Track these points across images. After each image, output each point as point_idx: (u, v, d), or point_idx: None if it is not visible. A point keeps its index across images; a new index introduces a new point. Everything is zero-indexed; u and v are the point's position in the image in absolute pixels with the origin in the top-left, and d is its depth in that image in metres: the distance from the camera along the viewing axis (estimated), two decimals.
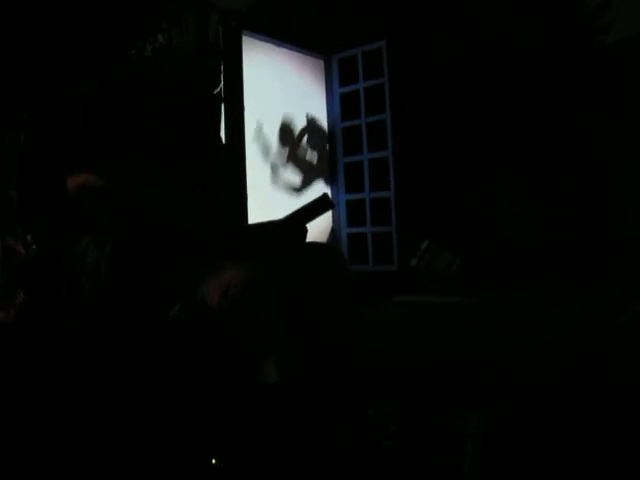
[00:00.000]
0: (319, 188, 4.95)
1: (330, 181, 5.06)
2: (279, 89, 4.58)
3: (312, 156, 4.93)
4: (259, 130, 4.32)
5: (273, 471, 1.44)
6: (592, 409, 1.80)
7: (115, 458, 1.49)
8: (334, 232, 5.02)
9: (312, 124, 4.93)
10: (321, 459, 1.49)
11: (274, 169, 4.53)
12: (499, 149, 4.31)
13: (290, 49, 4.66)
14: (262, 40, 4.31)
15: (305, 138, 4.85)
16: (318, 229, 4.84)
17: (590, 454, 1.52)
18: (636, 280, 3.25)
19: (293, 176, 4.71)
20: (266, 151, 4.42)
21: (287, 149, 4.65)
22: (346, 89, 4.99)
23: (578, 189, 4.05)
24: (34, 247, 2.02)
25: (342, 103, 5.04)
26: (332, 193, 5.04)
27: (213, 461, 1.46)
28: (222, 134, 3.54)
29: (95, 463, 1.48)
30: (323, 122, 5.07)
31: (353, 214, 4.99)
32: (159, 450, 1.48)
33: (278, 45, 4.49)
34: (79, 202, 1.75)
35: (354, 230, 4.96)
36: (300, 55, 4.82)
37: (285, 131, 4.62)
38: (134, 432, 1.52)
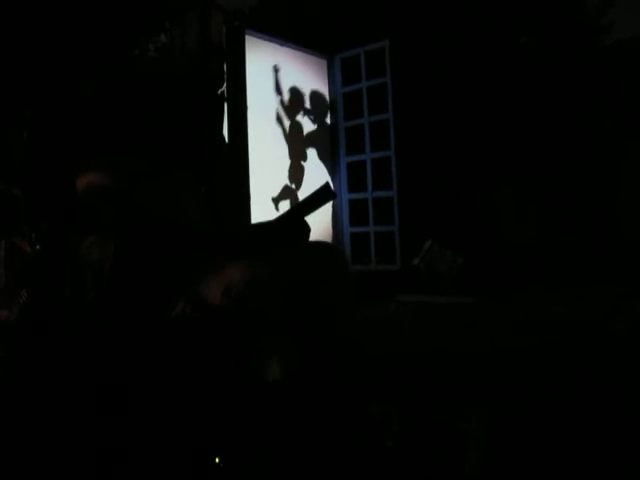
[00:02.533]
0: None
1: (333, 180, 5.07)
2: (282, 88, 4.59)
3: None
4: None
5: (275, 470, 1.44)
6: (593, 409, 1.80)
7: (118, 457, 1.49)
8: (336, 231, 5.02)
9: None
10: (323, 458, 1.49)
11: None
12: (502, 149, 4.30)
13: (293, 48, 4.66)
14: (265, 40, 4.31)
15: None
16: (321, 228, 4.85)
17: (592, 453, 1.52)
18: (637, 280, 3.25)
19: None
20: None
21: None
22: (349, 88, 4.99)
23: (579, 189, 4.05)
24: (38, 246, 2.03)
25: (345, 102, 5.04)
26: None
27: (217, 460, 1.47)
28: (225, 133, 3.55)
29: (97, 462, 1.49)
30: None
31: (356, 213, 4.99)
32: (162, 449, 1.48)
33: (281, 44, 4.50)
34: (86, 201, 1.76)
35: (357, 229, 4.97)
36: (303, 54, 4.82)
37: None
38: (137, 431, 1.53)
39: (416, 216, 4.57)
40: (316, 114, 5.03)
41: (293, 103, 4.73)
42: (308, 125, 4.93)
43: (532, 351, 2.47)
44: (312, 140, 4.95)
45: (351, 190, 5.02)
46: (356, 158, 4.97)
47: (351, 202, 5.01)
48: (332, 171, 5.07)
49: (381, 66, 4.70)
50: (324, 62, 5.05)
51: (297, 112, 4.80)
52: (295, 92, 4.73)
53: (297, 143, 4.78)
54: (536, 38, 4.14)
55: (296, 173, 4.74)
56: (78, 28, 2.31)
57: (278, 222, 1.97)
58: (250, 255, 1.70)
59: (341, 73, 5.02)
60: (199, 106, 2.71)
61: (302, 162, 4.82)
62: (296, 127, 4.80)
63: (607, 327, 2.72)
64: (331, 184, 4.68)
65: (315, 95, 5.03)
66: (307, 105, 4.92)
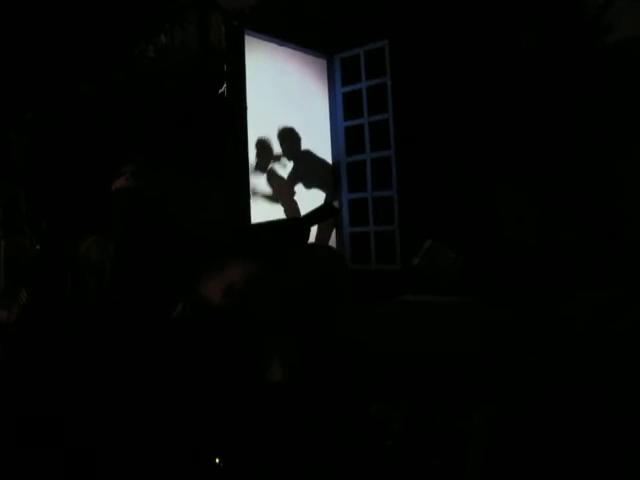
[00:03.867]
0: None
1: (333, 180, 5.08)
2: (281, 88, 4.59)
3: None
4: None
5: (276, 470, 1.44)
6: (594, 409, 1.80)
7: (120, 458, 1.49)
8: (337, 231, 5.02)
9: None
10: (324, 458, 1.49)
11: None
12: (502, 148, 4.30)
13: (292, 48, 4.66)
14: (264, 40, 4.31)
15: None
16: (321, 228, 4.85)
17: (593, 453, 1.52)
18: (639, 281, 3.25)
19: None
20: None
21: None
22: (349, 88, 4.99)
23: (581, 189, 4.04)
24: (37, 247, 2.03)
25: (345, 102, 5.04)
26: (335, 193, 5.05)
27: (217, 460, 1.46)
28: None
29: (98, 462, 1.48)
30: (325, 126, 5.08)
31: (356, 213, 4.99)
32: (163, 449, 1.48)
33: (280, 44, 4.50)
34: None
35: (357, 229, 4.97)
36: (302, 54, 4.82)
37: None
38: (138, 431, 1.53)
39: (416, 215, 4.57)
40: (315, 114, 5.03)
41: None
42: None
43: (533, 351, 2.46)
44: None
45: (351, 190, 5.02)
46: (356, 158, 4.97)
47: (351, 202, 5.01)
48: (333, 171, 5.08)
49: (381, 66, 4.70)
50: (324, 62, 5.05)
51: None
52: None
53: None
54: (537, 37, 4.13)
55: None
56: (77, 29, 2.31)
57: (280, 225, 1.98)
58: (251, 255, 1.70)
59: (341, 73, 5.02)
60: (198, 106, 2.71)
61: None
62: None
63: (610, 328, 2.71)
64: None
65: (315, 95, 5.03)
66: (306, 107, 4.92)
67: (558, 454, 1.52)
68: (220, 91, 3.40)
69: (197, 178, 1.89)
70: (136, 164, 1.79)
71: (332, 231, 5.00)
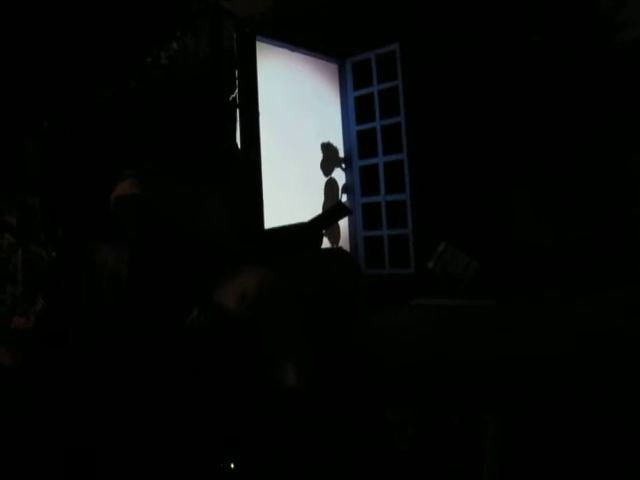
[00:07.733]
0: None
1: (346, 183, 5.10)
2: (294, 94, 4.60)
3: None
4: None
5: (290, 474, 1.44)
6: (614, 412, 1.77)
7: (136, 461, 1.50)
8: (350, 235, 5.02)
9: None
10: (338, 463, 1.49)
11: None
12: (515, 150, 4.28)
13: (304, 54, 4.68)
14: (276, 45, 4.33)
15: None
16: (334, 233, 4.85)
17: (611, 457, 1.50)
18: None
19: None
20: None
21: None
22: (360, 92, 5.00)
23: (595, 190, 4.01)
24: (54, 254, 2.05)
25: (357, 106, 5.04)
26: (348, 196, 5.05)
27: (232, 465, 1.47)
28: (237, 139, 3.56)
29: (114, 467, 1.49)
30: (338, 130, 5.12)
31: (369, 217, 4.99)
32: (179, 454, 1.49)
33: (292, 50, 4.52)
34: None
35: (370, 233, 4.96)
36: (314, 59, 4.84)
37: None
38: (154, 436, 1.54)
39: (430, 219, 4.55)
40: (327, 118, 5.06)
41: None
42: None
43: (550, 353, 2.44)
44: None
45: (364, 194, 5.02)
46: (369, 162, 4.97)
47: (364, 206, 5.01)
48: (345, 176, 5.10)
49: (392, 69, 4.70)
50: (335, 66, 5.07)
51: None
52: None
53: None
54: (549, 37, 4.11)
55: None
56: (91, 37, 2.33)
57: (294, 229, 1.98)
58: (265, 261, 1.70)
59: (352, 77, 5.03)
60: (211, 113, 2.73)
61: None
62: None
63: (626, 328, 2.69)
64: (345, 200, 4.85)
65: (327, 100, 5.05)
66: (319, 112, 4.96)
67: (575, 458, 1.50)
68: (232, 97, 3.41)
69: (194, 183, 1.90)
70: (134, 169, 1.80)
71: (346, 233, 5.01)
